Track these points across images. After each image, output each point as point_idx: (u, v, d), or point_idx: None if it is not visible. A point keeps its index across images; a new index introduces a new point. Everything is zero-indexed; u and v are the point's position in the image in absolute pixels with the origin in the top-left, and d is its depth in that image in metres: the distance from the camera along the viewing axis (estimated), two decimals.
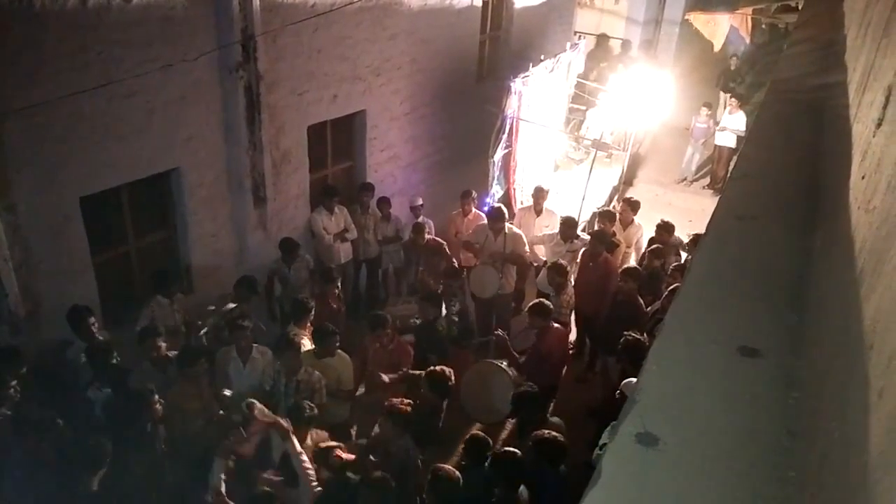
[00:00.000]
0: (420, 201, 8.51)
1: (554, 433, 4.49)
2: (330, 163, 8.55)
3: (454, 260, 7.93)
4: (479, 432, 4.85)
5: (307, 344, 5.70)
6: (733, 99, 12.43)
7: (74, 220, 5.70)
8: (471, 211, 8.47)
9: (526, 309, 6.38)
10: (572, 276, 7.68)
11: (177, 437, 4.98)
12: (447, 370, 5.34)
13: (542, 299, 6.39)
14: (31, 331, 5.50)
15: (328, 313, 6.54)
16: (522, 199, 10.33)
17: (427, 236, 7.98)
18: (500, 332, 6.36)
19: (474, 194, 8.59)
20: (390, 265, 8.63)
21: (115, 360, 5.32)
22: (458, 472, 4.26)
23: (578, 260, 7.87)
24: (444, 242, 7.98)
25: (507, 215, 7.72)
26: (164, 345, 5.44)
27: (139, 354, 5.45)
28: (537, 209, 8.50)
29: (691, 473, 1.64)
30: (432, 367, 5.41)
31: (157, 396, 4.76)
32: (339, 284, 7.28)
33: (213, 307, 6.33)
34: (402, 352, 5.96)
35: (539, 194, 8.51)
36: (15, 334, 5.34)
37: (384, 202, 8.32)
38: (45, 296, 5.58)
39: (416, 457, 4.80)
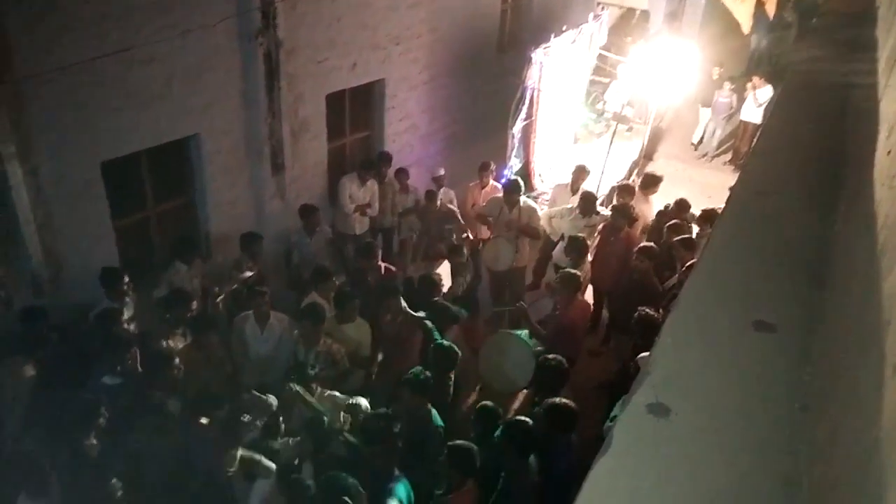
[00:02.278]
0: (442, 171, 8.46)
1: (565, 400, 4.50)
2: (348, 132, 8.53)
3: (467, 231, 7.90)
4: (489, 402, 4.86)
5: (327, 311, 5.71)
6: (755, 78, 12.18)
7: (95, 185, 5.75)
8: (488, 183, 8.42)
9: (552, 281, 6.35)
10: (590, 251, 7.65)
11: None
12: (452, 345, 5.34)
13: (571, 270, 6.36)
14: (54, 293, 5.60)
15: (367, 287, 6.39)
16: (541, 171, 10.28)
17: (439, 203, 7.94)
18: (521, 303, 6.34)
19: (493, 166, 8.53)
20: (413, 234, 8.61)
21: (126, 325, 5.41)
22: (475, 446, 4.28)
23: (597, 234, 7.83)
24: (457, 210, 7.94)
25: (522, 188, 7.67)
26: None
27: (161, 318, 5.54)
28: (574, 188, 8.45)
29: (702, 444, 1.65)
30: (437, 342, 5.40)
31: (177, 360, 4.84)
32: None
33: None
34: (411, 325, 5.95)
35: (579, 174, 8.47)
36: (38, 296, 5.45)
37: (402, 173, 8.26)
38: (68, 259, 5.67)
39: (437, 425, 4.83)
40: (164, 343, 5.21)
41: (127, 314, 5.52)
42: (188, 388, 4.95)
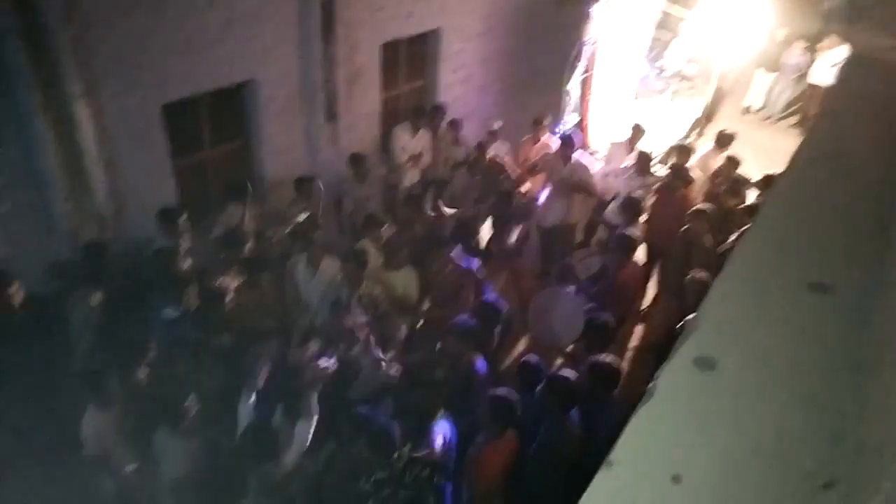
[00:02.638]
0: (497, 125, 8.36)
1: (609, 358, 4.51)
2: (402, 82, 8.49)
3: (517, 184, 7.80)
4: (532, 359, 4.89)
5: (375, 258, 5.81)
6: (829, 38, 11.58)
7: (156, 127, 5.91)
8: (542, 137, 8.29)
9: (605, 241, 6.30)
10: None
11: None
12: (498, 301, 5.36)
13: (626, 230, 6.29)
14: (117, 229, 5.83)
15: None
16: (596, 128, 10.08)
17: (489, 155, 7.89)
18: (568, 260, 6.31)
19: (547, 120, 8.38)
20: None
21: (182, 262, 5.61)
22: (516, 396, 4.33)
23: (652, 194, 7.68)
24: (506, 163, 7.85)
25: (576, 144, 7.54)
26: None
27: (215, 258, 5.72)
28: (631, 146, 8.28)
29: (747, 399, 1.64)
30: (483, 299, 5.44)
31: (229, 297, 5.03)
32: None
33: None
34: (462, 274, 5.98)
35: (637, 133, 8.29)
36: (102, 232, 5.68)
37: (455, 125, 8.15)
38: (130, 197, 5.87)
39: (480, 373, 4.89)
40: (219, 281, 5.39)
41: (183, 251, 5.72)
42: (241, 325, 5.14)
